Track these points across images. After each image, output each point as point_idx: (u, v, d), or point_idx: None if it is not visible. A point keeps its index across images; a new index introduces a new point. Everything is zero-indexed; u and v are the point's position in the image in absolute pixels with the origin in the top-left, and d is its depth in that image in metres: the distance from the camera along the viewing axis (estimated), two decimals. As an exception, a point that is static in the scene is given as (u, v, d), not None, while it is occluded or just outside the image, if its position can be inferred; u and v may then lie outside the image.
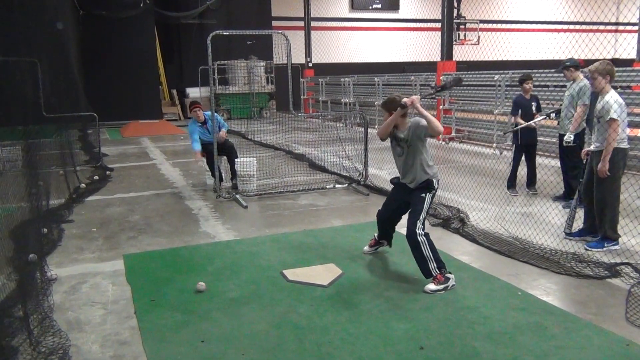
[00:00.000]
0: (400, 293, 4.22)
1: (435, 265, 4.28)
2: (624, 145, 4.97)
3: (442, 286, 4.22)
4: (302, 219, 6.47)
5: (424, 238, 4.33)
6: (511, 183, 7.49)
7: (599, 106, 5.00)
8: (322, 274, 4.64)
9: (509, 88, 11.11)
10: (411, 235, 4.33)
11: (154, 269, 4.92)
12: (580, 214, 5.56)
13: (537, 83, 8.19)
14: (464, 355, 3.28)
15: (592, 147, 5.18)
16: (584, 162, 5.41)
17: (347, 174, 8.63)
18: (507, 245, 5.23)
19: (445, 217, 6.15)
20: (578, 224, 5.55)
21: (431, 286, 4.23)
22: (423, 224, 4.40)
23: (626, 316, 3.73)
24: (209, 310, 3.98)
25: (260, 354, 3.37)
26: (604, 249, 5.03)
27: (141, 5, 19.22)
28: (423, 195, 4.47)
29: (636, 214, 5.81)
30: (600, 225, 5.12)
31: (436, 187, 4.53)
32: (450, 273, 4.32)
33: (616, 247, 5.06)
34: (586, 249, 5.06)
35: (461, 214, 6.15)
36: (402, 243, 5.29)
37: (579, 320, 3.71)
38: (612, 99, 4.89)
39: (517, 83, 7.95)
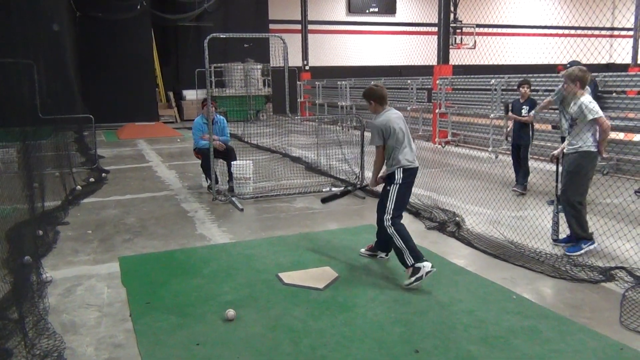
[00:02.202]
0: (395, 296, 4.23)
1: (409, 253, 4.39)
2: (592, 148, 5.03)
3: (413, 278, 4.33)
4: (298, 222, 6.47)
5: (394, 230, 4.50)
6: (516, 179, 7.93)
7: (572, 110, 5.11)
8: (318, 277, 4.65)
9: (504, 92, 11.15)
10: (384, 229, 4.58)
11: (150, 272, 4.92)
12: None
13: (533, 87, 8.26)
14: (459, 359, 3.29)
15: (562, 148, 5.29)
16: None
17: (343, 177, 8.64)
18: (502, 249, 5.25)
19: (441, 221, 6.16)
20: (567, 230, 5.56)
21: (405, 282, 4.38)
22: (393, 216, 4.54)
23: (620, 320, 3.75)
24: (204, 313, 3.98)
25: (256, 356, 3.37)
26: (582, 250, 5.05)
27: (138, 7, 19.22)
28: (388, 188, 4.65)
29: (630, 218, 5.84)
30: (570, 227, 5.18)
31: (398, 178, 4.57)
32: (425, 261, 4.35)
33: (593, 246, 5.09)
34: (565, 254, 5.06)
35: (457, 218, 6.16)
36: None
37: (573, 323, 3.73)
38: (585, 102, 4.97)
39: (514, 87, 8.14)
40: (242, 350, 3.44)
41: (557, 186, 5.50)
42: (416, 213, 6.59)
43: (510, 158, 8.11)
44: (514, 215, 6.47)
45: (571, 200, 5.11)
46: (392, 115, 4.65)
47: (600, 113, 4.94)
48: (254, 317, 3.91)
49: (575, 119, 5.06)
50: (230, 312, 3.88)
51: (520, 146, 7.71)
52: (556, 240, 5.43)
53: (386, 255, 5.02)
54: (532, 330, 3.64)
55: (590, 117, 4.92)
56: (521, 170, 7.72)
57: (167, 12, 20.71)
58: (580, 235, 5.13)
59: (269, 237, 5.90)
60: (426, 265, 4.33)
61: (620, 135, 8.79)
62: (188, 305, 4.13)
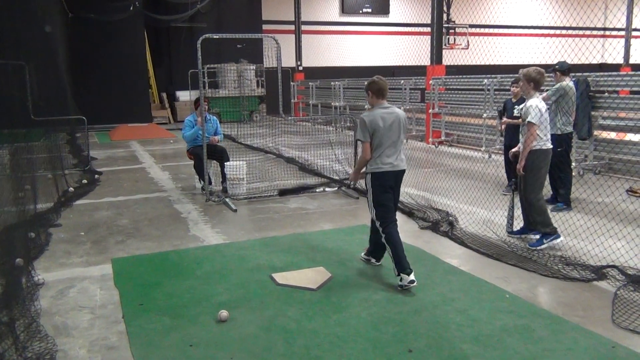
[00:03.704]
0: (389, 296, 4.24)
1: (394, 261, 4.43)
2: (547, 146, 5.24)
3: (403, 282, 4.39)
4: (292, 223, 6.47)
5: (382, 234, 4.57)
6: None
7: (522, 109, 5.31)
8: (312, 277, 4.65)
9: (497, 92, 11.20)
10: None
11: (143, 273, 4.90)
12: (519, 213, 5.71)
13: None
14: (452, 358, 3.30)
15: (517, 149, 5.48)
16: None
17: (337, 178, 8.64)
18: (495, 248, 5.27)
19: (434, 221, 6.17)
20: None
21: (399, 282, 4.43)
22: (376, 218, 4.60)
23: (612, 318, 3.77)
24: (197, 315, 3.97)
25: (249, 357, 3.36)
26: (544, 245, 5.21)
27: (130, 8, 19.14)
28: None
29: (622, 217, 5.87)
30: (533, 223, 5.33)
31: (369, 183, 4.60)
32: (407, 274, 4.29)
33: (558, 240, 5.23)
34: (529, 248, 5.23)
35: (450, 217, 6.18)
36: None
37: (565, 322, 3.75)
38: (532, 104, 5.16)
39: (507, 87, 8.15)
40: (235, 351, 3.43)
41: (515, 182, 5.67)
42: (409, 213, 6.60)
43: (503, 158, 8.13)
44: (506, 215, 6.48)
45: (529, 198, 5.29)
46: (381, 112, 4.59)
47: (536, 122, 5.08)
48: (248, 317, 3.90)
49: (525, 119, 5.24)
50: (224, 313, 3.87)
51: (512, 147, 7.68)
52: (511, 233, 5.64)
53: (377, 261, 4.91)
54: (525, 329, 3.65)
55: (528, 118, 5.10)
56: (513, 172, 7.71)
57: (159, 13, 20.64)
58: (544, 231, 5.29)
59: (262, 237, 5.89)
60: (405, 279, 4.30)
61: (612, 135, 8.84)
62: (181, 307, 4.11)
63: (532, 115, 5.10)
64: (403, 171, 4.65)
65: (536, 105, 5.15)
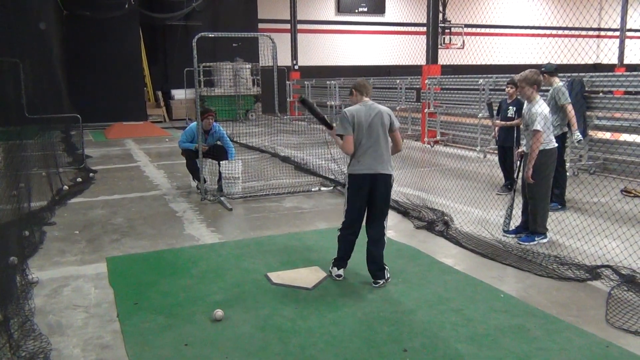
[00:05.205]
0: (384, 296, 4.24)
1: (334, 259, 4.68)
2: (551, 146, 5.31)
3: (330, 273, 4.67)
4: (287, 222, 6.46)
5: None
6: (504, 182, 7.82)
7: (526, 114, 5.34)
8: (307, 276, 4.65)
9: (492, 92, 11.22)
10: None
11: (137, 272, 4.89)
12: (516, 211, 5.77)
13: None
14: (447, 358, 3.31)
15: (522, 149, 5.53)
16: (519, 163, 5.68)
17: (332, 177, 8.64)
18: (491, 248, 5.28)
19: (430, 220, 6.18)
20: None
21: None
22: (344, 217, 4.61)
23: (606, 318, 3.79)
24: (192, 314, 3.96)
25: (244, 357, 3.36)
26: (535, 242, 5.38)
27: (126, 6, 19.07)
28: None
29: (617, 217, 5.90)
30: (533, 220, 5.44)
31: (347, 183, 4.54)
32: (336, 269, 4.61)
33: (545, 240, 5.42)
34: (519, 244, 5.37)
35: (445, 217, 6.19)
36: (387, 247, 5.31)
37: (560, 322, 3.76)
38: (538, 109, 5.19)
39: (502, 87, 8.16)
40: (230, 351, 3.42)
41: (516, 181, 5.73)
42: (405, 212, 6.60)
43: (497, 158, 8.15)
44: (502, 214, 6.49)
45: (536, 197, 5.36)
46: (363, 108, 4.40)
47: (539, 127, 5.13)
48: (243, 317, 3.90)
49: (528, 124, 5.28)
50: (219, 312, 3.86)
51: (505, 148, 7.66)
52: (506, 232, 5.69)
53: (374, 283, 4.45)
54: (519, 328, 3.66)
55: (535, 126, 5.14)
56: (509, 173, 7.66)
57: (155, 11, 20.59)
58: (537, 230, 5.42)
59: (258, 236, 5.89)
60: (333, 273, 4.62)
61: (607, 135, 8.88)
62: (176, 306, 4.10)
63: (539, 122, 5.11)
64: (384, 175, 4.36)
65: (542, 111, 5.17)
